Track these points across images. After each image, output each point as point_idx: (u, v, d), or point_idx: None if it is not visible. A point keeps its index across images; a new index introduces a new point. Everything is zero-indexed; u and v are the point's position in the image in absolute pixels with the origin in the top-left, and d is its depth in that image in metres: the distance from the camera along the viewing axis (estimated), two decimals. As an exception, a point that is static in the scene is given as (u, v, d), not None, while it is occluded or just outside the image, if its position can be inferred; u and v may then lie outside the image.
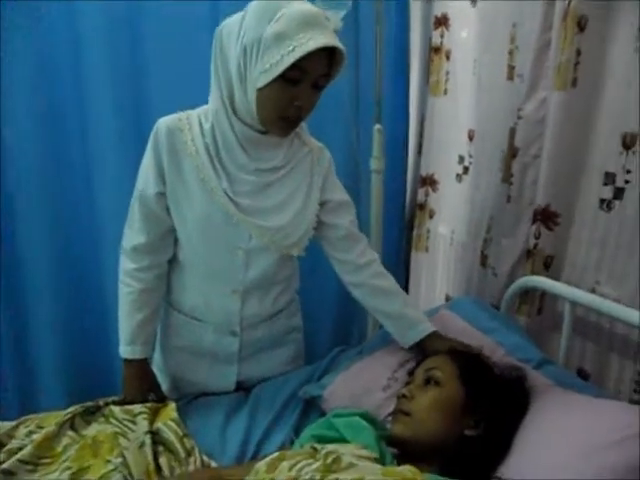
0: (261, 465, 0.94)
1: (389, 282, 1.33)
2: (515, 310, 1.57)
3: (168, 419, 1.16)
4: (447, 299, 1.94)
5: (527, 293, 1.53)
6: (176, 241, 1.27)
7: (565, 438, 0.97)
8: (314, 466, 0.89)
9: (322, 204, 1.27)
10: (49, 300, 1.63)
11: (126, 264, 1.26)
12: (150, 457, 1.07)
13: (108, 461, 1.07)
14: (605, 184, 1.33)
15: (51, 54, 1.49)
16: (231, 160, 1.16)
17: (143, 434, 1.11)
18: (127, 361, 1.27)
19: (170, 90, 1.56)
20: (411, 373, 1.14)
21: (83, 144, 1.57)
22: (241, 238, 1.21)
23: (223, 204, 1.15)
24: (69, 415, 1.15)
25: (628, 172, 1.27)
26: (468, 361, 1.09)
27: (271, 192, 1.20)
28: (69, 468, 1.05)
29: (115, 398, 1.25)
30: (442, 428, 1.00)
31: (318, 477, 0.85)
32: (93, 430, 1.14)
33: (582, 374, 1.42)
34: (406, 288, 2.15)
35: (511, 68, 1.56)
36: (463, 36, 1.80)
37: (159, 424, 1.15)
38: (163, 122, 1.17)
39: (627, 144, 1.27)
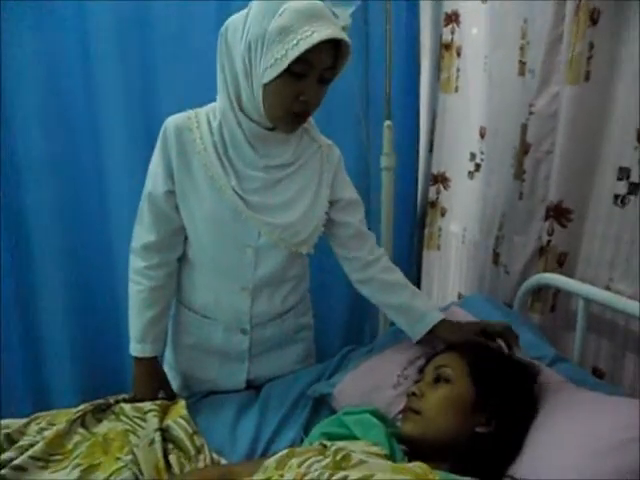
0: (270, 462, 0.94)
1: (397, 275, 1.32)
2: (528, 308, 1.55)
3: (178, 416, 1.16)
4: (459, 297, 1.92)
5: (540, 291, 1.52)
6: (186, 239, 1.27)
7: (578, 437, 0.95)
8: (323, 463, 0.88)
9: (332, 203, 1.26)
10: (60, 298, 1.64)
11: (136, 262, 1.26)
12: (160, 454, 1.07)
13: (118, 458, 1.07)
14: (619, 179, 1.31)
15: (59, 54, 1.50)
16: (239, 157, 1.16)
17: (153, 431, 1.11)
18: (137, 359, 1.27)
19: (179, 88, 1.57)
20: (421, 371, 1.13)
21: (93, 143, 1.58)
22: (250, 235, 1.20)
23: (232, 201, 1.15)
24: (80, 413, 1.16)
25: (643, 167, 1.26)
26: (479, 358, 1.07)
27: (280, 189, 1.20)
28: (79, 465, 1.05)
29: (125, 396, 1.25)
30: (453, 426, 0.99)
31: (327, 474, 0.85)
32: (104, 428, 1.15)
33: (597, 372, 1.40)
34: (418, 287, 2.12)
35: (522, 64, 1.55)
36: (474, 32, 1.78)
37: (169, 421, 1.15)
38: (172, 120, 1.18)
39: (642, 138, 1.25)
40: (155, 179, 1.20)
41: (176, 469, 1.07)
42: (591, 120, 1.35)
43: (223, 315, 1.29)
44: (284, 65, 1.00)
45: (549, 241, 1.47)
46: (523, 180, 1.56)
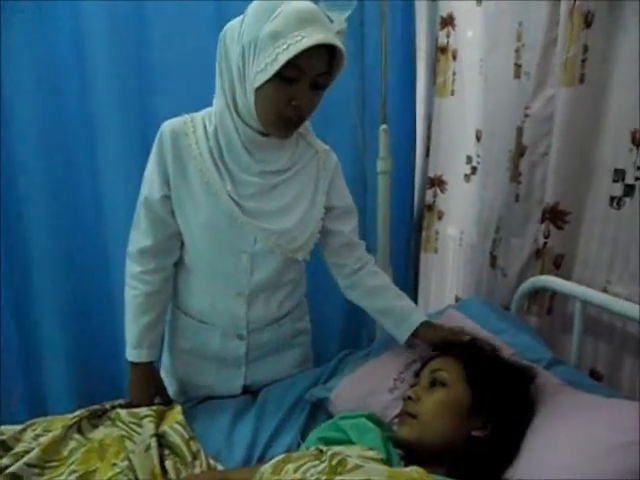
0: (267, 467, 0.94)
1: (382, 279, 1.33)
2: (525, 311, 1.55)
3: (174, 422, 1.16)
4: (457, 300, 1.92)
5: (537, 293, 1.52)
6: (182, 244, 1.27)
7: (575, 440, 0.95)
8: (319, 468, 0.88)
9: (326, 210, 1.26)
10: (56, 303, 1.64)
11: (132, 267, 1.26)
12: (156, 460, 1.07)
13: (114, 464, 1.06)
14: (615, 181, 1.31)
15: (55, 55, 1.49)
16: (235, 162, 1.15)
17: (149, 437, 1.10)
18: (133, 364, 1.27)
19: (175, 91, 1.56)
20: (417, 374, 1.13)
21: (88, 147, 1.57)
22: (246, 241, 1.20)
23: (227, 207, 1.15)
24: (76, 419, 1.15)
25: (638, 169, 1.26)
26: (475, 361, 1.07)
27: (276, 195, 1.19)
28: (75, 471, 1.05)
29: (121, 401, 1.25)
30: (449, 430, 0.99)
31: (323, 479, 0.85)
32: (100, 433, 1.14)
33: (595, 375, 1.40)
34: (415, 290, 2.13)
35: (518, 66, 1.55)
36: (469, 36, 1.79)
37: (165, 427, 1.15)
38: (168, 125, 1.17)
39: (637, 140, 1.25)
40: (151, 184, 1.19)
41: (172, 475, 1.06)
42: (586, 122, 1.35)
43: (219, 320, 1.29)
44: (274, 70, 0.99)
45: (545, 243, 1.47)
46: (519, 182, 1.56)
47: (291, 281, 1.33)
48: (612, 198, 1.33)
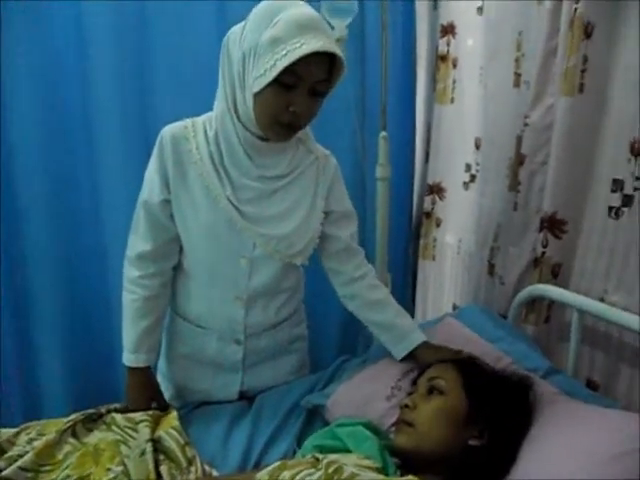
0: (262, 474, 0.93)
1: (382, 293, 1.33)
2: (522, 319, 1.55)
3: (170, 427, 1.15)
4: (454, 308, 1.92)
5: (534, 302, 1.51)
6: (181, 248, 1.26)
7: (572, 450, 0.95)
8: (315, 476, 0.88)
9: (325, 214, 1.26)
10: (53, 307, 1.63)
11: (131, 272, 1.26)
12: (151, 465, 1.06)
13: (109, 469, 1.05)
14: (613, 191, 1.32)
15: (56, 58, 1.49)
16: (235, 166, 1.15)
17: (144, 442, 1.10)
18: (131, 369, 1.26)
19: (177, 94, 1.56)
20: (414, 382, 1.13)
21: (88, 150, 1.57)
22: (245, 247, 1.20)
23: (227, 211, 1.15)
24: (70, 422, 1.14)
25: (637, 179, 1.26)
26: (472, 370, 1.07)
27: (275, 200, 1.19)
28: (70, 476, 1.04)
29: (117, 405, 1.24)
30: (446, 438, 0.98)
31: (319, 487, 0.84)
32: (94, 438, 1.14)
33: (591, 384, 1.39)
34: (413, 297, 2.13)
35: (517, 75, 1.56)
36: (469, 44, 1.80)
37: (160, 432, 1.14)
38: (168, 130, 1.17)
39: (635, 151, 1.26)
40: (151, 188, 1.19)
41: (167, 480, 1.06)
42: (585, 132, 1.35)
43: (217, 325, 1.29)
44: (272, 76, 0.99)
45: (544, 252, 1.47)
46: (518, 191, 1.56)
47: (289, 287, 1.32)
48: (610, 208, 1.33)
